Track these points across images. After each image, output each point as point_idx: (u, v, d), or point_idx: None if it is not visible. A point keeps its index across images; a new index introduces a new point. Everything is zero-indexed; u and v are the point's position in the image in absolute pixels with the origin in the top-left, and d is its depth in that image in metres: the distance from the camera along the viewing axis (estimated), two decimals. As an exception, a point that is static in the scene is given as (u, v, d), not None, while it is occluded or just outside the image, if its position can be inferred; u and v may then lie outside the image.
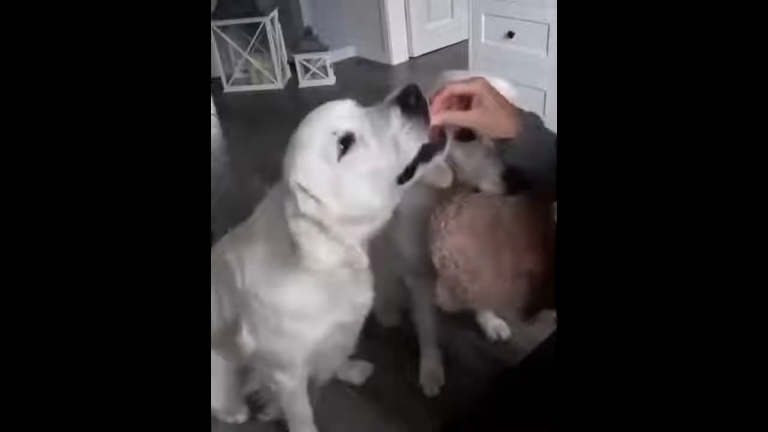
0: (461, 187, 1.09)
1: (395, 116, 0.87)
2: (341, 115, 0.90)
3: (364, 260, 0.92)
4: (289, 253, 0.90)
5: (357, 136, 0.88)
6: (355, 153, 0.87)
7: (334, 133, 0.87)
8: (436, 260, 1.03)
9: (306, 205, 0.87)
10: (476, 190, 1.07)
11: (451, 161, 1.08)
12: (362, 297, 1.12)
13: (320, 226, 0.87)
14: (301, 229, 0.88)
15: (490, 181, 1.03)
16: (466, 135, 1.05)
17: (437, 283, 1.09)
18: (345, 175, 0.88)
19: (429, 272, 1.16)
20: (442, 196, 1.09)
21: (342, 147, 0.87)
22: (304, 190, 0.87)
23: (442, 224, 1.03)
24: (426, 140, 0.88)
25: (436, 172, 1.05)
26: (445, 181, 1.09)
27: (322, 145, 0.87)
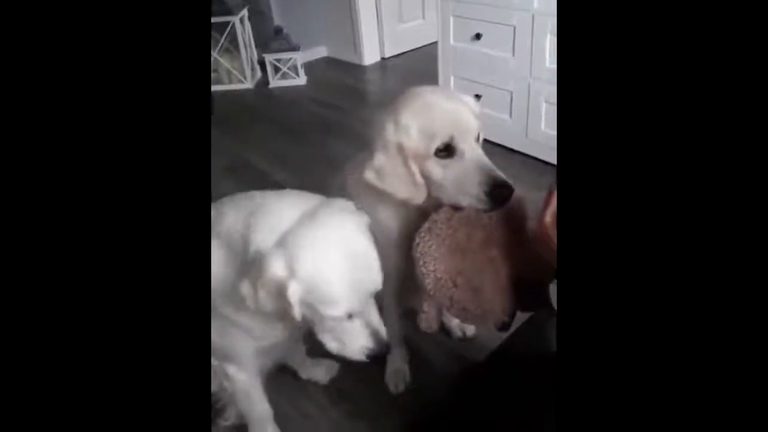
0: (435, 203, 1.06)
1: (360, 326, 0.94)
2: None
3: (297, 316, 0.93)
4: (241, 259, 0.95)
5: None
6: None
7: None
8: (429, 282, 1.00)
9: (270, 273, 0.89)
10: (455, 206, 1.04)
11: (427, 178, 1.05)
12: None
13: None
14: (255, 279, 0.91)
15: (474, 198, 1.01)
16: (443, 151, 1.02)
17: (422, 306, 1.06)
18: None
19: (406, 288, 1.14)
20: (417, 213, 1.07)
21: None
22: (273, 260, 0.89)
23: (433, 246, 1.00)
24: (359, 356, 0.97)
25: (410, 188, 1.05)
26: (419, 197, 1.07)
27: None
